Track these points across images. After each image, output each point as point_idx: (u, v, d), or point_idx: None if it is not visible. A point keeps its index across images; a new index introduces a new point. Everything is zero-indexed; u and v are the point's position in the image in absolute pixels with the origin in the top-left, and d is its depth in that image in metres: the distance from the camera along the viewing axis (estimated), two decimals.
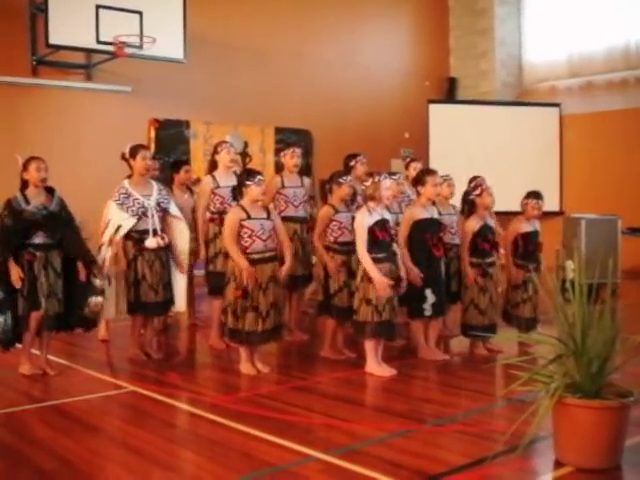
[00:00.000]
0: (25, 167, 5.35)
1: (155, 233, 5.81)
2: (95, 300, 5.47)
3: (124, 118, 10.52)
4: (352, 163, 6.59)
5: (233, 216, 5.41)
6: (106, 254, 5.69)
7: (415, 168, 6.86)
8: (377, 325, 5.38)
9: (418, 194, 6.02)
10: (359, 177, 6.34)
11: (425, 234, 5.84)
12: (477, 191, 6.20)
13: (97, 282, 5.49)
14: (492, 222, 6.25)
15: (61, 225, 5.40)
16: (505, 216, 6.51)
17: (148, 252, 5.80)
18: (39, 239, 5.31)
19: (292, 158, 6.63)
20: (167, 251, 5.95)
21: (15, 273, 5.22)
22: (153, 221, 5.82)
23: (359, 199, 5.90)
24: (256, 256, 5.37)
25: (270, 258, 5.45)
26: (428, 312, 5.88)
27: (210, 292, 6.47)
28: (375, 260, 5.36)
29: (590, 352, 3.60)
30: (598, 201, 11.78)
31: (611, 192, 12.27)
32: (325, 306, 5.95)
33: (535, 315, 6.35)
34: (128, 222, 5.77)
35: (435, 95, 14.32)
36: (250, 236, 5.37)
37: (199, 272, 7.32)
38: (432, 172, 6.09)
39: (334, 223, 5.92)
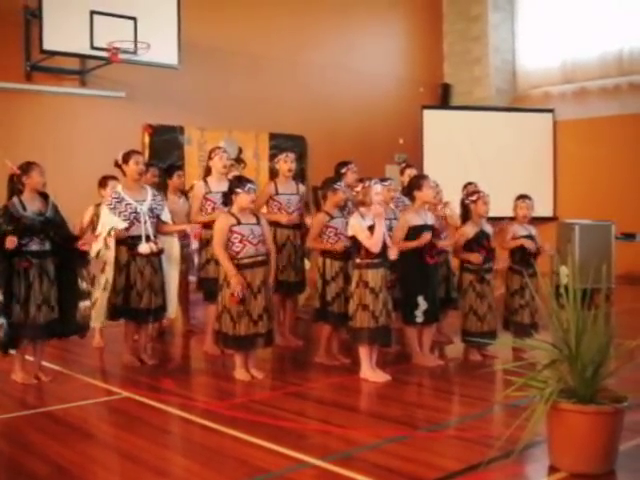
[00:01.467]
0: (26, 172, 5.33)
1: (148, 239, 5.81)
2: (84, 304, 5.52)
3: (118, 124, 10.51)
4: (343, 170, 6.60)
5: (222, 222, 5.42)
6: (104, 255, 5.71)
7: (409, 175, 6.88)
8: (374, 331, 5.39)
9: (412, 199, 6.02)
10: (349, 185, 6.36)
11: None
12: (473, 197, 6.22)
13: (84, 285, 5.51)
14: (489, 228, 6.27)
15: (56, 229, 5.40)
16: (499, 222, 6.53)
17: (140, 258, 5.79)
18: (35, 246, 5.30)
19: (286, 163, 6.63)
20: (159, 257, 5.94)
21: (9, 241, 5.10)
22: (146, 227, 5.82)
23: (350, 205, 5.93)
24: (248, 260, 5.38)
25: (262, 262, 5.47)
26: (420, 319, 5.87)
27: (205, 298, 6.47)
28: (369, 265, 5.37)
29: (584, 357, 3.61)
30: (592, 206, 11.81)
31: (605, 197, 12.31)
32: (322, 313, 5.94)
33: (535, 321, 6.35)
34: (119, 225, 5.77)
35: (429, 101, 14.35)
36: (241, 241, 5.38)
37: (193, 278, 7.33)
38: (426, 176, 6.15)
39: (330, 230, 5.93)
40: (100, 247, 5.75)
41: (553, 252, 6.69)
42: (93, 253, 5.78)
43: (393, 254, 5.42)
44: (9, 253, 5.18)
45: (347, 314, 5.60)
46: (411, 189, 6.05)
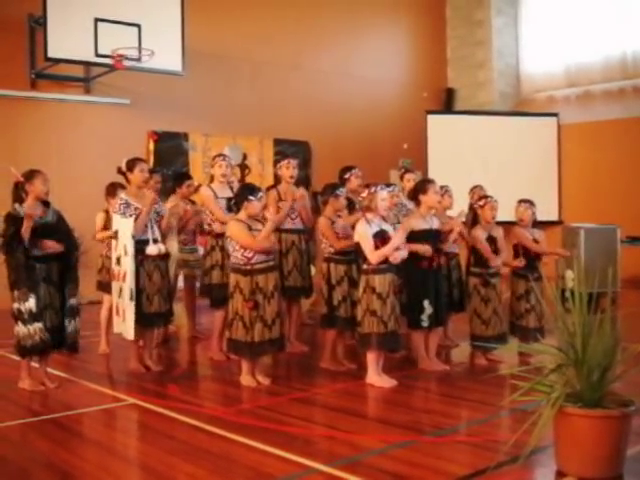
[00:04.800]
0: (29, 180, 5.34)
1: (155, 241, 5.84)
2: (73, 323, 5.44)
3: (123, 131, 10.55)
4: (347, 176, 6.59)
5: (239, 226, 5.40)
6: (124, 263, 5.70)
7: (409, 180, 6.88)
8: (382, 336, 5.38)
9: (418, 204, 6.00)
10: (354, 190, 6.37)
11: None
12: (481, 202, 6.24)
13: (73, 302, 5.47)
14: (497, 233, 6.26)
15: (60, 235, 5.40)
16: (503, 226, 6.52)
17: (148, 262, 5.80)
18: (38, 251, 5.30)
19: (288, 169, 6.62)
20: (166, 262, 5.96)
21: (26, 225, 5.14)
22: (153, 231, 5.85)
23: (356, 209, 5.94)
24: (260, 266, 5.39)
25: (273, 267, 5.49)
26: (425, 323, 5.86)
27: (212, 304, 6.46)
28: (376, 271, 5.36)
29: (591, 361, 3.60)
30: (597, 210, 11.79)
31: (610, 201, 12.30)
32: (329, 318, 5.93)
33: (541, 325, 6.33)
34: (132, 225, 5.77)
35: (433, 106, 14.37)
36: None
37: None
38: (432, 181, 6.11)
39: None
40: (120, 254, 5.75)
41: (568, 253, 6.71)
42: (113, 260, 5.80)
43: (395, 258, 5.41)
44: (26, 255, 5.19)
45: (354, 318, 5.60)
46: (417, 193, 6.03)
